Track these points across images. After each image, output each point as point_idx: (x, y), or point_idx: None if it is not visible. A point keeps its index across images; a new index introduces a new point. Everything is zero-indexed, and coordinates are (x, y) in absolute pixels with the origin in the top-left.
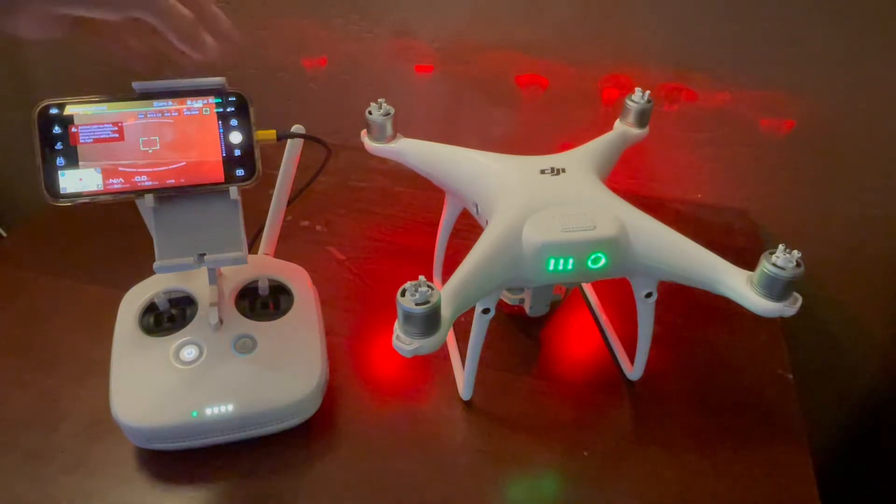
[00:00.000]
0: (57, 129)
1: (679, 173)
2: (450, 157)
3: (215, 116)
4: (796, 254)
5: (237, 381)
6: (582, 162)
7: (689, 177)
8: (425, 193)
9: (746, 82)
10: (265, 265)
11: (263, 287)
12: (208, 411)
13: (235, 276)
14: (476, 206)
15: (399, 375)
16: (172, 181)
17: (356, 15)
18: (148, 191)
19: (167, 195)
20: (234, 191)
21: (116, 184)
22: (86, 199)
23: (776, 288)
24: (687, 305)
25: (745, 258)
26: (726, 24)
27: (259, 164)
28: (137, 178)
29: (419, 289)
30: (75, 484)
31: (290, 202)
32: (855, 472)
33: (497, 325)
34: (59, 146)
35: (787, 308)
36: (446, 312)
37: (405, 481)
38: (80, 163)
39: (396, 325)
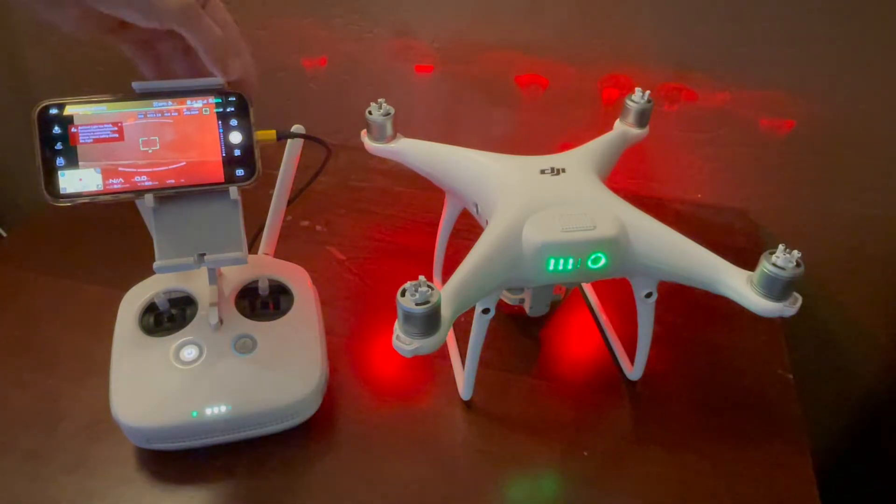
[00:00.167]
0: (57, 130)
1: (679, 173)
2: (450, 157)
3: (215, 116)
4: (796, 254)
5: (237, 381)
6: (582, 162)
7: (689, 177)
8: (425, 193)
9: (746, 82)
10: (265, 265)
11: (263, 287)
12: (208, 411)
13: (235, 276)
14: (476, 206)
15: (399, 375)
16: (172, 181)
17: (356, 15)
18: (148, 191)
19: (167, 195)
20: (234, 191)
21: (116, 184)
22: (86, 199)
23: (776, 288)
24: (687, 305)
25: (745, 258)
26: (726, 24)
27: (259, 164)
28: (137, 178)
29: (419, 289)
30: (75, 484)
31: (290, 202)
32: (855, 472)
33: (497, 325)
34: (58, 146)
35: (787, 308)
36: (446, 312)
37: (405, 481)
38: (80, 163)
39: (396, 325)
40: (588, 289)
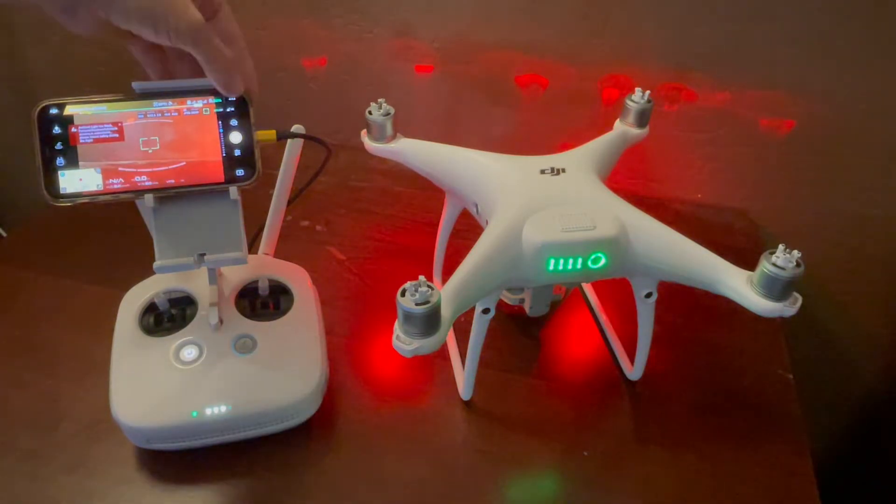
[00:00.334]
0: (57, 129)
1: (679, 173)
2: (450, 157)
3: (215, 116)
4: (796, 254)
5: (237, 381)
6: (582, 162)
7: (689, 177)
8: (425, 193)
9: (746, 82)
10: (265, 265)
11: (263, 287)
12: (208, 411)
13: (235, 276)
14: (476, 206)
15: (399, 375)
16: (172, 181)
17: (356, 15)
18: (148, 191)
19: (167, 195)
20: (234, 191)
21: (116, 184)
22: (86, 199)
23: (776, 288)
24: (687, 305)
25: (745, 258)
26: (726, 24)
27: (259, 164)
28: (137, 178)
29: (419, 289)
30: (75, 484)
31: (290, 202)
32: (855, 472)
33: (497, 325)
34: (58, 146)
35: (787, 308)
36: (446, 312)
37: (405, 481)
38: (80, 163)
39: (396, 325)
40: (588, 289)
